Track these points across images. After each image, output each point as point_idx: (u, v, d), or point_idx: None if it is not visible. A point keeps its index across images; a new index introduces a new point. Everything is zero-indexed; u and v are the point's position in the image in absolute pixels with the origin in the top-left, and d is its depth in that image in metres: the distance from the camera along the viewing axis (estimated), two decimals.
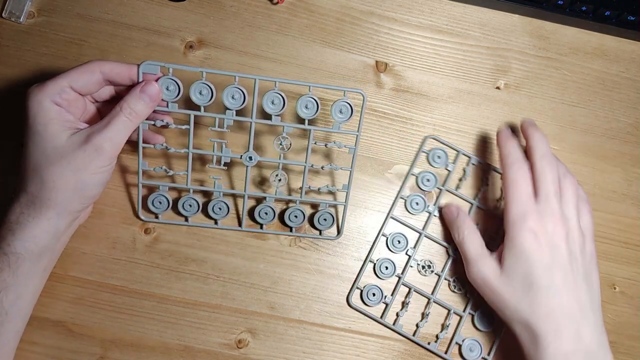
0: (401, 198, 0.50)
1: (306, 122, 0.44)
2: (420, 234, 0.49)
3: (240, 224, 0.48)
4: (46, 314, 0.45)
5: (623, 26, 0.54)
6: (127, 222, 0.48)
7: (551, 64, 0.54)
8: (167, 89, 0.42)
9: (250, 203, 0.48)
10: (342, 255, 0.49)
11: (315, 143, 0.45)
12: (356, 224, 0.50)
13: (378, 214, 0.50)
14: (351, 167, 0.46)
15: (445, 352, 0.48)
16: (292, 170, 0.49)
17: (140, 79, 0.41)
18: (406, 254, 0.49)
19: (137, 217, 0.47)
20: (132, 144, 0.46)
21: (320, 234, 0.48)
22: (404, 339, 0.48)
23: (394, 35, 0.53)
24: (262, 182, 0.49)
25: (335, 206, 0.49)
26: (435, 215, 0.50)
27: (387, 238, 0.49)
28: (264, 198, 0.47)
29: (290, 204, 0.48)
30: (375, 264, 0.48)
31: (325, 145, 0.46)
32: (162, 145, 0.45)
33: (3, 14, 0.49)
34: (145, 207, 0.47)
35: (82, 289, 0.46)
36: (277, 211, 0.47)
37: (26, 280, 0.40)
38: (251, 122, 0.44)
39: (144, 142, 0.44)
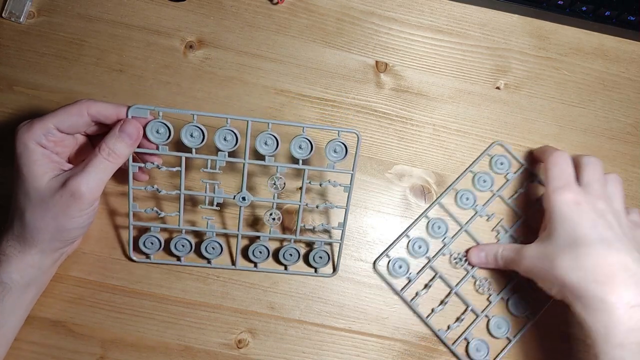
0: (453, 189, 0.51)
1: (300, 162, 0.44)
2: (461, 227, 0.50)
3: (234, 263, 0.47)
4: (46, 313, 0.45)
5: (623, 26, 0.54)
6: (127, 222, 0.48)
7: (551, 64, 0.54)
8: (157, 132, 0.41)
9: (244, 242, 0.48)
10: (342, 255, 0.49)
11: (309, 182, 0.45)
12: (356, 224, 0.50)
13: (378, 214, 0.50)
14: (346, 206, 0.46)
15: (452, 344, 0.48)
16: (286, 209, 0.49)
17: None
18: (442, 241, 0.49)
19: (129, 258, 0.47)
20: (122, 184, 0.47)
21: (315, 271, 0.48)
22: (404, 339, 0.48)
23: (394, 35, 0.53)
24: (255, 221, 0.49)
25: (330, 244, 0.49)
26: (480, 216, 0.50)
27: (429, 221, 0.49)
28: (258, 237, 0.47)
29: (285, 243, 0.48)
30: (410, 241, 0.49)
31: (320, 184, 0.46)
32: (152, 187, 0.44)
33: (3, 14, 0.49)
34: (137, 248, 0.46)
35: (82, 289, 0.46)
36: (272, 250, 0.47)
37: (12, 310, 0.40)
38: (244, 163, 0.43)
39: (139, 180, 0.44)
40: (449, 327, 0.48)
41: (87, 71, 0.49)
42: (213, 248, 0.46)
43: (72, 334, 0.46)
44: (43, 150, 0.39)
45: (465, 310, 0.49)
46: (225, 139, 0.42)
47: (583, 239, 0.41)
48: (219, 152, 0.43)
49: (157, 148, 0.42)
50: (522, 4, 0.53)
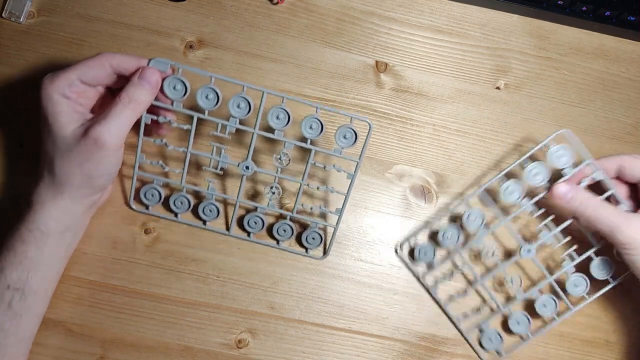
0: (501, 178, 0.47)
1: (308, 141, 0.44)
2: (501, 220, 0.47)
3: (228, 229, 0.48)
4: (46, 314, 0.45)
5: (623, 26, 0.54)
6: (127, 222, 0.48)
7: (551, 64, 0.54)
8: (175, 88, 0.42)
9: (240, 212, 0.48)
10: (342, 255, 0.49)
11: (314, 164, 0.45)
12: (356, 224, 0.50)
13: (378, 214, 0.50)
14: (347, 193, 0.46)
15: (464, 332, 0.48)
16: (286, 189, 0.49)
17: None
18: (476, 233, 0.48)
19: (128, 206, 0.47)
20: (132, 139, 0.46)
21: (306, 251, 0.48)
22: (404, 339, 0.48)
23: (394, 35, 0.53)
24: (254, 195, 0.49)
25: (325, 227, 0.49)
26: (526, 212, 0.47)
27: (464, 214, 0.47)
28: (255, 208, 0.47)
29: (280, 219, 0.48)
30: (441, 230, 0.48)
31: (324, 167, 0.46)
32: (161, 141, 0.45)
33: (3, 14, 0.49)
34: (137, 198, 0.47)
35: (82, 289, 0.46)
36: (267, 222, 0.47)
37: (51, 259, 0.42)
38: (253, 133, 0.43)
39: (154, 135, 0.44)
40: (465, 316, 0.49)
41: None
42: (210, 210, 0.47)
43: (72, 334, 0.46)
44: (67, 101, 0.40)
45: (485, 302, 0.49)
46: (239, 106, 0.43)
47: None
48: (231, 118, 0.43)
49: (172, 104, 0.43)
50: (522, 4, 0.53)
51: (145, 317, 0.47)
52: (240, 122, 0.43)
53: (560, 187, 0.44)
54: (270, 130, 0.43)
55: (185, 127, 0.44)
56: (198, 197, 0.49)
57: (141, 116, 0.43)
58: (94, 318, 0.46)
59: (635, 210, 0.45)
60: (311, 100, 0.48)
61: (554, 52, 0.54)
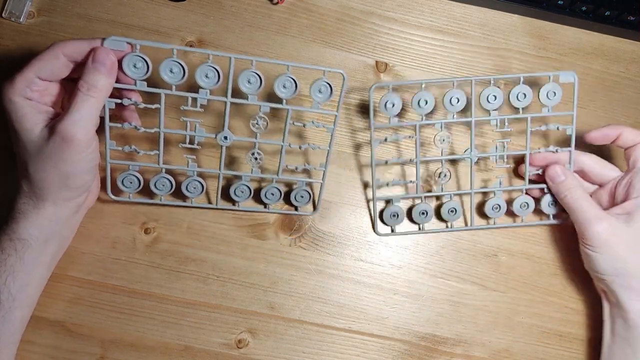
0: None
1: (284, 101, 0.43)
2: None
3: (214, 202, 0.47)
4: (45, 314, 0.45)
5: (623, 26, 0.54)
6: (127, 222, 0.48)
7: (551, 64, 0.54)
8: (135, 66, 0.40)
9: (223, 183, 0.47)
10: (342, 255, 0.49)
11: (292, 123, 0.44)
12: (356, 224, 0.50)
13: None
14: (329, 146, 0.45)
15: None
16: (266, 151, 0.49)
17: None
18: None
19: (108, 196, 0.46)
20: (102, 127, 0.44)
21: (296, 209, 0.49)
22: (404, 339, 0.48)
23: (394, 35, 0.53)
24: (231, 162, 0.49)
25: (311, 184, 0.49)
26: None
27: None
28: (239, 177, 0.46)
29: (265, 183, 0.48)
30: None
31: (304, 125, 0.45)
32: (130, 124, 0.43)
33: (3, 14, 0.49)
34: (117, 188, 0.45)
35: (81, 289, 0.46)
36: (253, 189, 0.47)
37: (33, 267, 0.40)
38: (226, 102, 0.42)
39: (122, 121, 0.43)
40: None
41: None
42: (194, 187, 0.45)
43: (71, 334, 0.46)
44: (30, 103, 0.38)
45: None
46: (207, 76, 0.41)
47: None
48: (200, 90, 0.42)
49: (135, 84, 0.41)
50: (522, 4, 0.53)
51: (145, 317, 0.46)
52: (211, 93, 0.42)
53: (556, 169, 0.47)
54: (244, 96, 0.42)
55: (154, 106, 0.42)
56: (179, 175, 0.48)
57: (104, 102, 0.40)
58: (94, 318, 0.46)
59: (611, 205, 0.46)
60: (311, 100, 0.48)
61: (554, 52, 0.54)
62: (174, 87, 0.41)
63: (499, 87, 0.43)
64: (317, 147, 0.46)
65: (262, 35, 0.52)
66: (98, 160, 0.40)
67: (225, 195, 0.47)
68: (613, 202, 0.47)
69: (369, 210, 0.50)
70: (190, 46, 0.51)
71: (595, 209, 0.45)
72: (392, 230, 0.49)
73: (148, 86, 0.41)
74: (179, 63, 0.40)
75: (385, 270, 0.49)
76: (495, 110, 0.46)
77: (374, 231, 0.49)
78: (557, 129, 0.47)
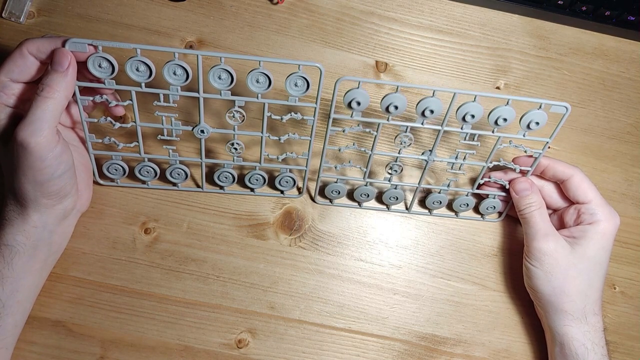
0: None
1: (258, 95, 0.42)
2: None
3: (200, 187, 0.48)
4: (46, 313, 0.45)
5: (623, 26, 0.54)
6: (127, 222, 0.48)
7: (551, 64, 0.54)
8: (100, 66, 0.39)
9: (207, 172, 0.49)
10: (342, 255, 0.49)
11: (270, 116, 0.44)
12: (356, 224, 0.50)
13: (378, 213, 0.50)
14: (310, 137, 0.45)
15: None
16: (247, 142, 0.49)
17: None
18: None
19: (97, 183, 0.47)
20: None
21: (282, 193, 0.49)
22: (404, 339, 0.48)
23: (394, 35, 0.53)
24: (211, 151, 0.49)
25: (293, 171, 0.49)
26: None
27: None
28: (222, 165, 0.47)
29: (247, 170, 0.48)
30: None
31: (281, 118, 0.44)
32: (105, 119, 0.43)
33: (3, 14, 0.49)
34: (103, 174, 0.47)
35: (82, 289, 0.46)
36: (236, 175, 0.48)
37: (23, 273, 0.40)
38: (199, 98, 0.42)
39: (114, 119, 0.43)
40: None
41: None
42: (178, 174, 0.47)
43: (71, 334, 0.46)
44: (7, 109, 0.38)
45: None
46: (175, 73, 0.41)
47: (606, 265, 0.45)
48: (171, 87, 0.42)
49: (104, 83, 0.41)
50: (522, 4, 0.53)
51: (145, 317, 0.46)
52: (186, 88, 0.42)
53: (523, 183, 0.47)
54: (216, 91, 0.42)
55: (126, 102, 0.42)
56: (163, 164, 0.48)
57: (77, 99, 0.41)
58: (94, 318, 0.46)
59: (560, 228, 0.47)
60: (311, 100, 0.48)
61: (554, 52, 0.54)
62: (143, 84, 0.41)
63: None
64: (299, 138, 0.45)
65: (262, 35, 0.52)
66: (71, 165, 0.40)
67: (211, 181, 0.48)
68: (562, 226, 0.47)
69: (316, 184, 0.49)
70: (191, 47, 0.51)
71: (547, 226, 0.45)
72: (331, 201, 0.50)
73: (118, 84, 0.41)
74: (145, 62, 0.40)
75: (385, 270, 0.49)
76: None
77: (313, 201, 0.50)
78: (525, 151, 0.46)
